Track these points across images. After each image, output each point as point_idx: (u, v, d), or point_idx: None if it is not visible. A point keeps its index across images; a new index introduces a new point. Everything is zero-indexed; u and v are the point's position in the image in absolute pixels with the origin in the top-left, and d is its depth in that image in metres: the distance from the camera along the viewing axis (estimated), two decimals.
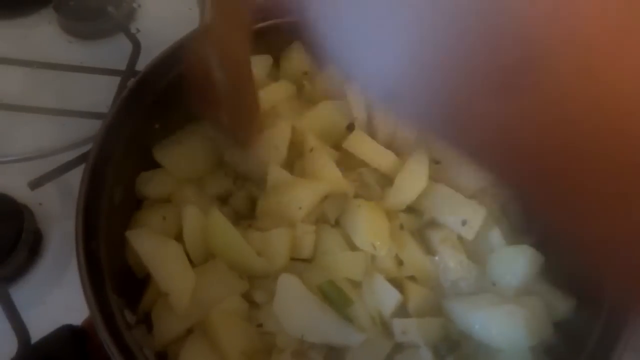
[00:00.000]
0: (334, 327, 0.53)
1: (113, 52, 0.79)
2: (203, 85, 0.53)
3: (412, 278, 0.58)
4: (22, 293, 0.61)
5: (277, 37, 0.66)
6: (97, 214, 0.52)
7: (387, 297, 0.55)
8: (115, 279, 0.50)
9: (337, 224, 0.59)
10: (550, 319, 0.54)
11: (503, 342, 0.52)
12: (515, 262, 0.56)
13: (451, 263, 0.58)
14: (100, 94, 0.72)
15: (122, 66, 0.74)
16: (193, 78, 0.54)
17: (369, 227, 0.56)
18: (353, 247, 0.57)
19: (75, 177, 0.55)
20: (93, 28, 0.80)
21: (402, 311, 0.56)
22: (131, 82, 0.59)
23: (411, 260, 0.57)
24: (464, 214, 0.58)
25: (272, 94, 0.65)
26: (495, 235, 0.59)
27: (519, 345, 0.52)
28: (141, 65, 0.74)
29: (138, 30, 0.80)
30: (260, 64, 0.67)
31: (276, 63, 0.69)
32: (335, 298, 0.55)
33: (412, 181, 0.59)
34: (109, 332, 0.45)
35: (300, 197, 0.57)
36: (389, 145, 0.62)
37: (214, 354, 0.51)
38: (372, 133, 0.63)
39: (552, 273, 0.58)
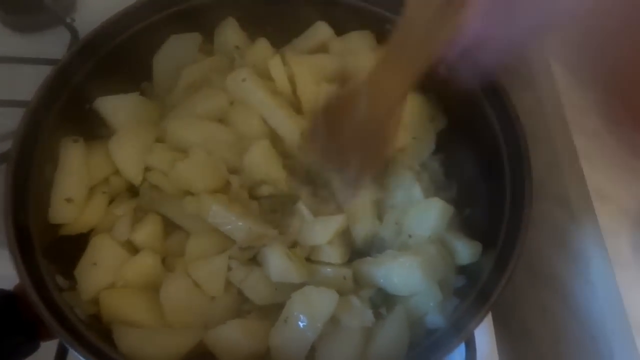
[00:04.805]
0: None
1: (54, 43, 0.81)
2: (337, 119, 0.53)
3: None
4: None
5: (210, 14, 0.70)
6: (26, 188, 0.54)
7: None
8: (47, 247, 0.53)
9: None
10: (452, 262, 0.58)
11: (404, 289, 0.56)
12: (427, 215, 0.59)
13: None
14: None
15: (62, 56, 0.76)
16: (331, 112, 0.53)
17: (278, 273, 0.57)
18: None
19: None
20: (32, 20, 0.82)
21: None
22: (52, 69, 0.60)
23: None
24: None
25: (207, 67, 0.68)
26: (416, 192, 0.62)
27: (416, 289, 0.55)
28: None
29: (73, 20, 0.82)
30: (191, 42, 0.70)
31: (209, 39, 0.72)
32: None
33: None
34: (38, 293, 0.48)
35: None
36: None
37: None
38: None
39: (466, 222, 0.62)
